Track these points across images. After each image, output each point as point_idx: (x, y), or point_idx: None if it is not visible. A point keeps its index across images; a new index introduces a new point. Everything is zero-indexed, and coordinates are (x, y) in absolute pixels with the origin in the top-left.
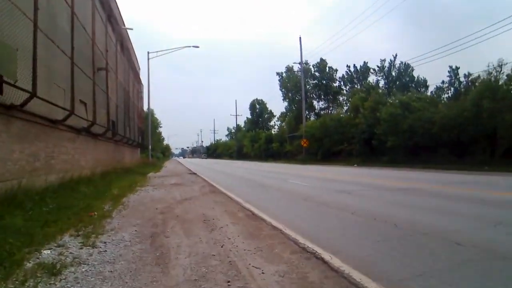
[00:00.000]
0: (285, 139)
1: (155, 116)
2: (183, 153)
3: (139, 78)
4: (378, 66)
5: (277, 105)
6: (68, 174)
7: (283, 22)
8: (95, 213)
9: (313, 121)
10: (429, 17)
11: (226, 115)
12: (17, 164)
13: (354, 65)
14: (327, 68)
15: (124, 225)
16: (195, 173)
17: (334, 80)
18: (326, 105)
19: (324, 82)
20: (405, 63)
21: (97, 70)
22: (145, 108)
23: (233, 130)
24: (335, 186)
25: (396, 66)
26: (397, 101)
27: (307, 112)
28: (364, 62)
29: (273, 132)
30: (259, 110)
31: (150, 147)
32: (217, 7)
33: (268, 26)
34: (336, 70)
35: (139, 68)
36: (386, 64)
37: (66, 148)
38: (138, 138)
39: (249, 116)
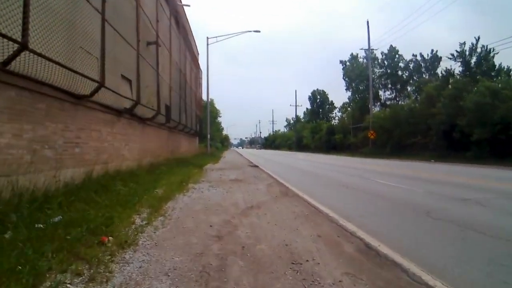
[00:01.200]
0: (348, 131)
1: (215, 106)
2: (242, 144)
3: (197, 62)
4: (457, 51)
5: (338, 96)
6: (99, 166)
7: (343, 12)
8: (110, 237)
9: (382, 111)
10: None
11: (285, 106)
12: (8, 154)
13: (421, 53)
14: (397, 56)
15: (148, 273)
16: (256, 166)
17: (403, 69)
18: (393, 95)
19: (392, 71)
20: (486, 47)
21: (146, 45)
22: (204, 96)
23: (292, 121)
24: (444, 190)
25: (477, 51)
26: (483, 88)
27: (372, 103)
28: (432, 50)
29: (333, 123)
30: (319, 100)
31: (208, 136)
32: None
33: (328, 18)
34: (407, 60)
35: (198, 53)
36: (467, 48)
37: (99, 133)
38: (196, 127)
39: (309, 107)
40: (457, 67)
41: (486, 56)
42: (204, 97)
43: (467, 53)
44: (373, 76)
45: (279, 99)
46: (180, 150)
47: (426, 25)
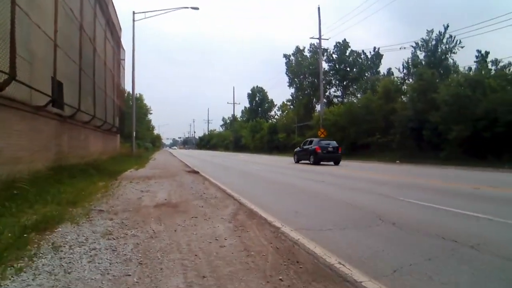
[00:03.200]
0: (292, 130)
1: (144, 102)
2: (175, 144)
3: (119, 40)
4: (423, 39)
5: (276, 95)
6: None
7: (278, 14)
8: None
9: (335, 107)
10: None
11: (221, 105)
12: None
13: (363, 51)
14: (348, 51)
15: None
16: (196, 172)
17: (351, 65)
18: (340, 92)
19: (340, 66)
20: (454, 37)
21: None
22: (128, 86)
23: (228, 120)
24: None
25: (443, 41)
26: (462, 78)
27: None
28: (374, 47)
29: (275, 122)
30: (259, 98)
31: (134, 134)
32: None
33: (262, 19)
34: (360, 53)
35: (120, 29)
36: (432, 37)
37: None
38: (116, 122)
39: (248, 106)
40: (420, 57)
41: (451, 47)
42: (128, 87)
43: (433, 42)
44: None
45: (215, 98)
46: (88, 151)
47: (354, 30)
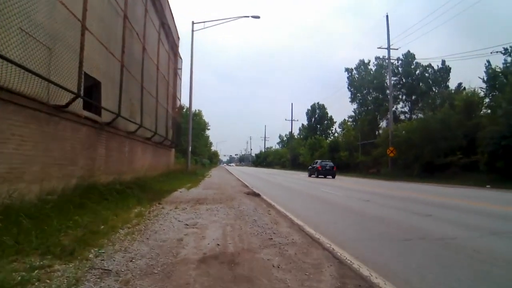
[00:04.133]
0: (355, 148)
1: (203, 118)
2: (231, 161)
3: (176, 48)
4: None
5: (335, 112)
6: None
7: (330, 36)
8: None
9: (407, 123)
10: None
11: (278, 123)
12: None
13: (431, 64)
14: (414, 64)
15: None
16: (257, 194)
17: (419, 78)
18: (407, 108)
19: (408, 80)
20: None
21: None
22: (185, 99)
23: (285, 138)
24: None
25: None
26: None
27: (383, 116)
28: (443, 61)
29: (337, 138)
30: (318, 115)
31: (189, 148)
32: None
33: (316, 40)
34: (427, 66)
35: (178, 38)
36: None
37: None
38: (169, 134)
39: (306, 122)
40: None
41: None
42: (185, 100)
43: None
44: (386, 85)
45: (272, 116)
46: (133, 166)
47: (414, 45)
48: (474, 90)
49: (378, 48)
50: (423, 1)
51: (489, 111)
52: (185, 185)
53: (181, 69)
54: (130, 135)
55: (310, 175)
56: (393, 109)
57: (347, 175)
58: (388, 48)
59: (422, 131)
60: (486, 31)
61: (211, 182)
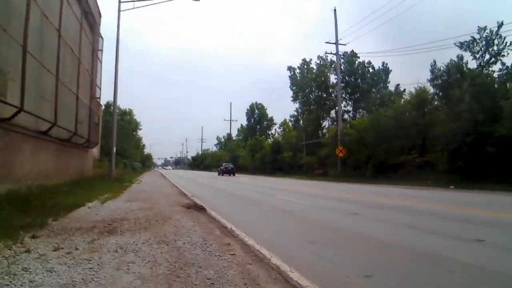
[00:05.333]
0: (299, 148)
1: (134, 117)
2: (167, 164)
3: (96, 26)
4: (472, 37)
5: (275, 112)
6: None
7: (267, 36)
8: None
9: (358, 120)
10: None
11: (215, 125)
12: None
13: (370, 61)
14: (356, 63)
15: None
16: (201, 207)
17: (360, 77)
18: (351, 107)
19: (351, 79)
20: (504, 38)
21: None
22: (111, 98)
23: (223, 139)
24: None
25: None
26: None
27: (326, 115)
28: (383, 63)
29: (278, 139)
30: (257, 115)
31: (114, 150)
32: (205, 17)
33: (251, 39)
34: (369, 64)
35: (100, 15)
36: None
37: None
38: (86, 132)
39: (245, 123)
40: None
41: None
42: (110, 97)
43: (482, 42)
44: (329, 84)
45: (209, 117)
46: (12, 170)
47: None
48: (424, 87)
49: (326, 42)
50: (357, 8)
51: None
52: (101, 196)
53: (101, 50)
54: (2, 123)
55: (219, 174)
56: (335, 109)
57: (292, 176)
58: (336, 43)
59: (375, 129)
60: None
61: (139, 190)
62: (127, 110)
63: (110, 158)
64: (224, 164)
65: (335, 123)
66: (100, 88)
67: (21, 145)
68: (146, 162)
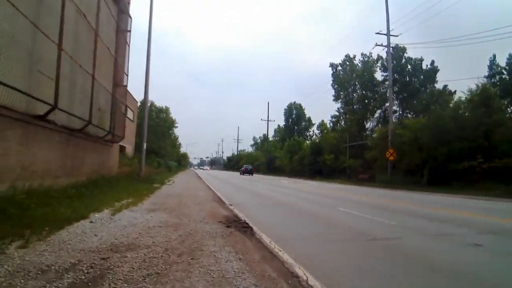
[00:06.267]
0: (341, 151)
1: (171, 115)
2: (202, 164)
3: (124, 4)
4: None
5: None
6: None
7: (305, 37)
8: None
9: (413, 120)
10: None
11: (251, 125)
12: None
13: (422, 57)
14: (404, 58)
15: None
16: (246, 226)
17: (412, 74)
18: (399, 108)
19: (400, 76)
20: None
21: None
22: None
23: (259, 140)
24: None
25: None
26: None
27: (370, 115)
28: (432, 61)
29: (318, 141)
30: (295, 115)
31: (144, 146)
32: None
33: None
34: (421, 60)
35: None
36: None
37: None
38: (107, 123)
39: (283, 123)
40: None
41: None
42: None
43: None
44: (375, 82)
45: (245, 120)
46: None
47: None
48: (486, 83)
49: (376, 33)
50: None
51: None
52: (119, 201)
53: (129, 31)
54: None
55: (240, 174)
56: (382, 108)
57: (334, 181)
58: (388, 34)
59: (432, 129)
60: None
61: (169, 194)
62: (163, 107)
63: (153, 156)
64: (244, 165)
65: (380, 124)
66: (127, 75)
67: (5, 134)
68: (182, 161)
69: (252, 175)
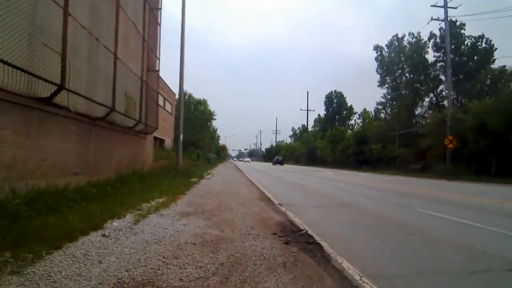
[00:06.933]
0: (389, 139)
1: (209, 108)
2: (241, 155)
3: None
4: None
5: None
6: None
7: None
8: None
9: (480, 103)
10: None
11: (290, 116)
12: None
13: (483, 34)
14: (462, 35)
15: None
16: (311, 240)
17: (470, 55)
18: (453, 92)
19: (455, 56)
20: None
21: None
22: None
23: (298, 131)
24: None
25: None
26: None
27: (420, 101)
28: (487, 39)
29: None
30: (336, 104)
31: (181, 138)
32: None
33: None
34: (481, 39)
35: None
36: None
37: None
38: (137, 112)
39: (323, 113)
40: None
41: None
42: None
43: None
44: (426, 64)
45: (283, 110)
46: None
47: None
48: None
49: (432, 6)
50: None
51: None
52: (149, 201)
53: (160, 10)
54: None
55: (273, 164)
56: (434, 92)
57: (383, 172)
58: (445, 6)
59: (503, 112)
60: None
61: (207, 191)
62: (201, 99)
63: (192, 148)
64: (276, 157)
65: (431, 109)
66: (159, 59)
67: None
68: (221, 153)
69: (282, 165)
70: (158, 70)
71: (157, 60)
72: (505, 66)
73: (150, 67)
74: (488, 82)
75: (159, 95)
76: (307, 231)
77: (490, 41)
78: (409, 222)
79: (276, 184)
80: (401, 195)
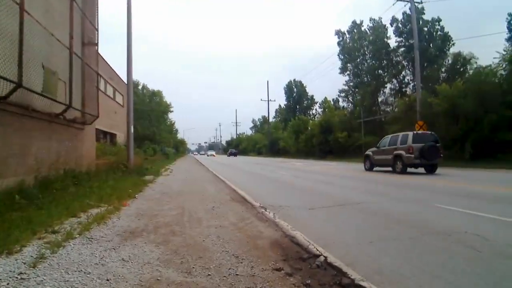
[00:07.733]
0: (353, 127)
1: (165, 99)
2: (201, 149)
3: None
4: None
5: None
6: None
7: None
8: None
9: (452, 85)
10: None
11: (249, 108)
12: None
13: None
14: (425, 23)
15: None
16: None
17: (429, 40)
18: (411, 77)
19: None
20: None
21: None
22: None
23: (258, 122)
24: None
25: None
26: None
27: (381, 87)
28: (443, 28)
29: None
30: (296, 94)
31: (131, 130)
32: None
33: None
34: (439, 23)
35: None
36: None
37: None
38: (67, 96)
39: (283, 104)
40: None
41: None
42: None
43: None
44: (389, 49)
45: (243, 101)
46: None
47: None
48: None
49: None
50: None
51: None
52: (79, 212)
53: None
54: None
55: (228, 156)
56: (397, 79)
57: (350, 160)
58: None
59: (475, 95)
60: None
61: (164, 192)
62: (156, 91)
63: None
64: (230, 150)
65: (394, 96)
66: (97, 30)
67: None
68: (180, 148)
69: (236, 156)
70: (97, 44)
71: (96, 31)
72: (459, 52)
73: (86, 40)
74: (448, 66)
75: (108, 84)
76: (326, 258)
77: (443, 28)
78: (445, 226)
79: (247, 179)
80: (401, 187)
